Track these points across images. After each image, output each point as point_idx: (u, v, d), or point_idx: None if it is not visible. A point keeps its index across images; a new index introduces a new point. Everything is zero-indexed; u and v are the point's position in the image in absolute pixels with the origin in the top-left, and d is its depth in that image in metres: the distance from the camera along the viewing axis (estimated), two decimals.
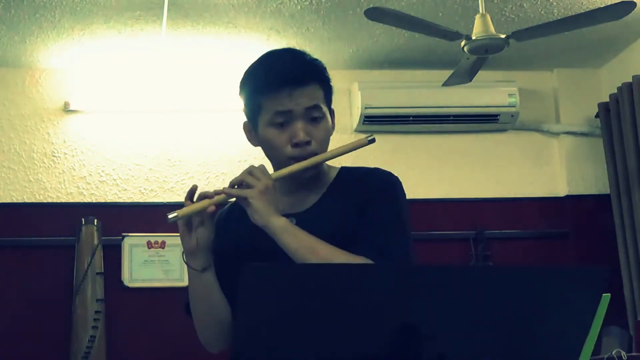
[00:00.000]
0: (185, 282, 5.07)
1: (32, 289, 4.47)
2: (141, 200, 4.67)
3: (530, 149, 5.01)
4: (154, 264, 4.58)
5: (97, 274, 4.38)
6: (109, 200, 4.64)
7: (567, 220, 4.90)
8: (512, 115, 4.84)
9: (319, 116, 1.77)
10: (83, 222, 4.46)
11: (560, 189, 4.96)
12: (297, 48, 1.86)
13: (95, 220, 4.49)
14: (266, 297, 1.18)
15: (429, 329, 1.19)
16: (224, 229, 1.83)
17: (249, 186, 1.70)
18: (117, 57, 4.57)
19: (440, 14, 4.13)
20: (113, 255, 4.51)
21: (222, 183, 4.76)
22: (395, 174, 1.84)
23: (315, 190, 1.82)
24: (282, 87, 1.75)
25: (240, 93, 1.90)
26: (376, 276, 1.21)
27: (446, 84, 4.07)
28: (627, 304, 4.50)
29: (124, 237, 4.58)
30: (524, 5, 4.14)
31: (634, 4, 3.45)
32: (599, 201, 4.86)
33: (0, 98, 4.69)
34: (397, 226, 1.75)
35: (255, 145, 1.88)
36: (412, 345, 1.18)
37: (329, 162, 1.84)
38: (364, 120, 4.62)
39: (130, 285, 4.55)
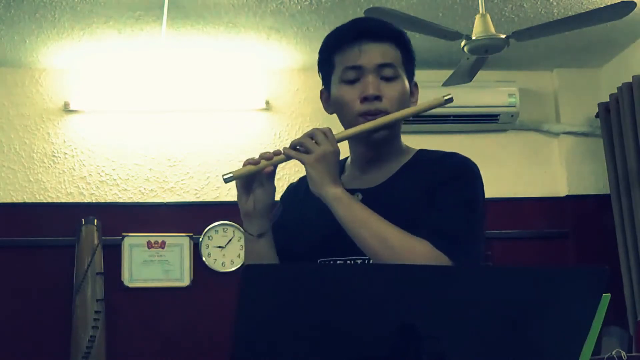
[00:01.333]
0: (184, 283, 5.07)
1: (32, 289, 4.47)
2: (141, 200, 4.67)
3: (530, 149, 5.01)
4: (154, 264, 4.58)
5: (97, 274, 4.38)
6: (109, 200, 4.64)
7: (567, 220, 4.90)
8: (512, 115, 4.84)
9: (392, 75, 1.68)
10: (83, 222, 4.47)
11: (560, 189, 4.97)
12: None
13: (95, 220, 4.49)
14: (266, 297, 1.18)
15: (429, 329, 1.19)
16: (291, 199, 1.76)
17: (306, 151, 1.61)
18: (117, 57, 4.57)
19: (440, 14, 4.14)
20: (113, 255, 4.51)
21: (222, 183, 4.75)
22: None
23: (389, 168, 1.73)
24: (352, 41, 1.68)
25: (318, 62, 1.78)
26: (376, 276, 1.21)
27: (446, 84, 4.07)
28: (627, 304, 4.50)
29: (124, 237, 4.58)
30: (524, 5, 4.13)
31: (634, 4, 3.45)
32: (599, 201, 4.86)
33: (0, 98, 4.69)
34: (466, 213, 1.62)
35: (330, 112, 1.77)
36: (412, 345, 1.18)
37: (408, 144, 1.76)
38: None
39: (130, 285, 4.55)
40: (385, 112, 1.66)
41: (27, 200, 4.59)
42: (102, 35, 4.30)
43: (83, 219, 4.47)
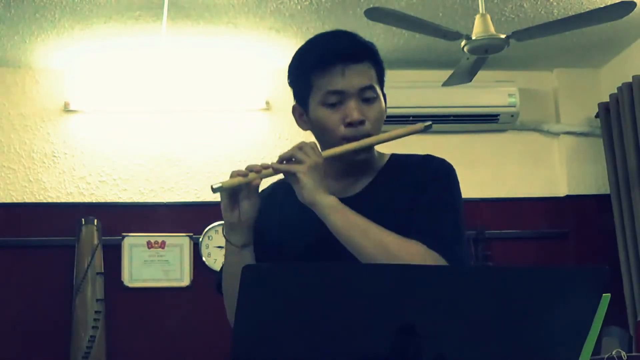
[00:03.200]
0: (184, 283, 5.07)
1: (32, 289, 4.47)
2: (141, 200, 4.67)
3: (530, 149, 5.01)
4: (154, 264, 4.58)
5: (97, 274, 4.38)
6: (109, 200, 4.65)
7: (567, 220, 4.90)
8: (512, 115, 4.84)
9: (372, 97, 1.71)
10: (83, 222, 4.46)
11: (560, 189, 4.96)
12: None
13: (95, 220, 4.49)
14: (266, 297, 1.18)
15: (428, 329, 1.19)
16: (267, 207, 1.75)
17: (298, 161, 1.64)
18: (117, 57, 4.57)
19: (440, 14, 4.13)
20: (113, 255, 4.51)
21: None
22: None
23: (365, 176, 1.76)
24: (334, 64, 1.67)
25: (288, 77, 1.78)
26: (376, 276, 1.21)
27: (446, 84, 4.07)
28: (627, 304, 4.50)
29: (124, 237, 4.58)
30: (524, 5, 4.13)
31: (634, 4, 3.45)
32: (599, 201, 4.86)
33: (0, 98, 4.69)
34: (451, 213, 1.70)
35: (305, 129, 1.78)
36: (412, 345, 1.18)
37: (379, 148, 1.79)
38: None
39: (130, 285, 4.55)
40: (369, 134, 1.70)
41: (27, 200, 4.59)
42: (102, 35, 4.30)
43: (83, 219, 4.47)
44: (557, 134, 5.02)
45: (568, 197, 4.92)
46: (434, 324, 1.19)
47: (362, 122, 1.68)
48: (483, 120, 4.86)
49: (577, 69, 5.04)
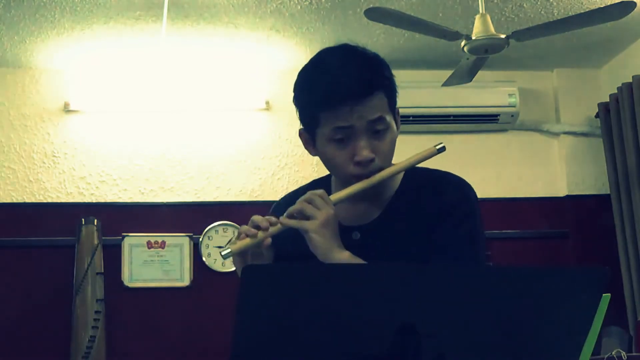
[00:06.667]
0: (184, 283, 5.05)
1: (32, 289, 4.47)
2: (141, 200, 4.67)
3: (530, 149, 5.01)
4: (154, 264, 4.58)
5: (97, 274, 4.38)
6: (109, 200, 4.64)
7: (567, 220, 4.90)
8: (512, 115, 4.84)
9: (383, 128, 1.62)
10: (83, 222, 4.47)
11: (560, 189, 4.96)
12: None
13: (95, 220, 4.49)
14: (266, 297, 1.18)
15: (428, 328, 1.19)
16: (283, 237, 1.63)
17: (308, 217, 1.57)
18: (117, 57, 4.57)
19: (440, 14, 4.13)
20: (113, 255, 4.51)
21: (222, 183, 4.77)
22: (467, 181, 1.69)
23: (380, 199, 1.69)
24: (343, 102, 1.57)
25: (294, 99, 1.69)
26: (376, 276, 1.21)
27: (446, 84, 4.07)
28: (627, 304, 4.50)
29: (124, 237, 4.58)
30: (524, 5, 4.13)
31: (634, 4, 3.45)
32: (599, 201, 4.86)
33: (0, 98, 4.69)
34: (471, 252, 1.61)
35: (313, 155, 1.70)
36: (412, 345, 1.18)
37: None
38: None
39: (130, 285, 4.55)
40: (379, 169, 1.63)
41: (27, 200, 4.59)
42: (102, 35, 4.30)
43: (83, 219, 4.47)
44: (557, 134, 5.02)
45: (568, 197, 4.92)
46: (434, 324, 1.19)
47: (372, 160, 1.61)
48: (483, 120, 4.86)
49: (577, 69, 5.04)
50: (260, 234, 1.57)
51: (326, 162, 1.68)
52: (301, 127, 1.71)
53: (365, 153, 1.60)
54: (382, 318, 1.20)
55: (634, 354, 3.86)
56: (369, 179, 1.62)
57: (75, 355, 4.24)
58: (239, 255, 1.59)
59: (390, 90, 1.67)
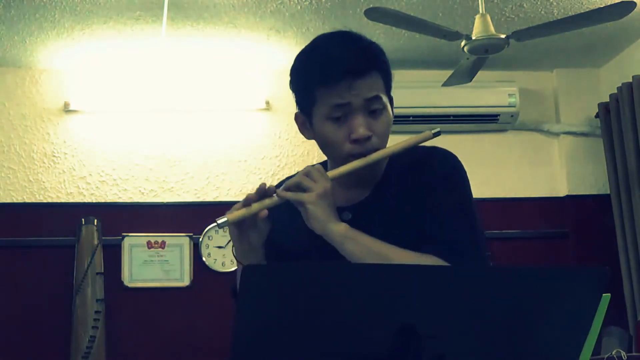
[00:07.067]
0: (184, 283, 5.05)
1: (32, 289, 4.47)
2: (141, 200, 4.67)
3: (530, 149, 5.01)
4: (154, 264, 4.58)
5: (97, 274, 4.38)
6: (109, 200, 4.64)
7: (567, 220, 4.90)
8: (512, 115, 4.84)
9: (379, 108, 1.62)
10: (83, 222, 4.47)
11: (560, 189, 4.96)
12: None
13: (95, 220, 4.49)
14: (266, 297, 1.18)
15: (429, 329, 1.19)
16: (280, 217, 1.65)
17: (305, 189, 1.58)
18: (117, 57, 4.57)
19: (440, 14, 4.13)
20: (113, 255, 4.51)
21: (222, 183, 4.77)
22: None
23: (370, 178, 1.69)
24: (340, 78, 1.59)
25: (290, 82, 1.70)
26: (376, 276, 1.21)
27: (446, 84, 4.07)
28: (627, 304, 4.50)
29: (124, 237, 4.58)
30: (524, 5, 4.13)
31: (634, 4, 3.45)
32: (599, 201, 4.86)
33: (0, 98, 4.69)
34: (462, 216, 1.63)
35: (309, 138, 1.70)
36: (412, 345, 1.18)
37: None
38: None
39: (130, 285, 4.55)
40: (376, 149, 1.63)
41: (27, 200, 4.59)
42: (102, 35, 4.30)
43: (83, 219, 4.47)
44: (557, 134, 5.02)
45: (568, 197, 4.92)
46: (434, 324, 1.19)
47: (368, 138, 1.61)
48: (483, 120, 4.86)
49: (577, 69, 5.04)
50: (255, 205, 1.58)
51: (323, 143, 1.68)
52: (297, 110, 1.72)
53: (362, 130, 1.60)
54: (382, 318, 1.20)
55: (634, 354, 3.86)
56: (366, 158, 1.62)
57: (75, 355, 4.24)
58: (235, 225, 1.60)
59: (386, 74, 1.67)
